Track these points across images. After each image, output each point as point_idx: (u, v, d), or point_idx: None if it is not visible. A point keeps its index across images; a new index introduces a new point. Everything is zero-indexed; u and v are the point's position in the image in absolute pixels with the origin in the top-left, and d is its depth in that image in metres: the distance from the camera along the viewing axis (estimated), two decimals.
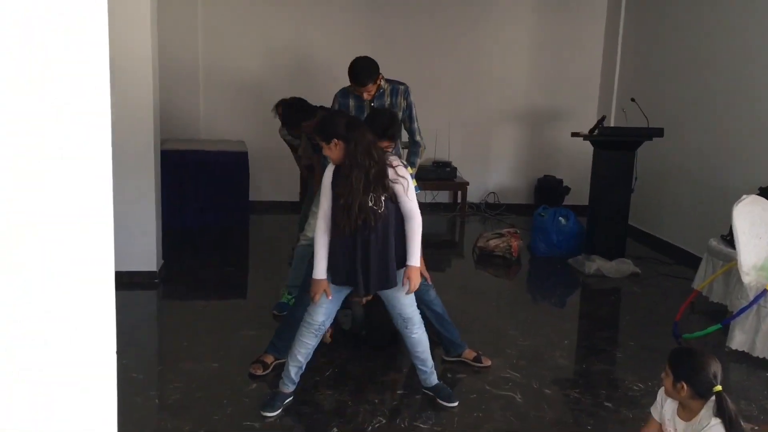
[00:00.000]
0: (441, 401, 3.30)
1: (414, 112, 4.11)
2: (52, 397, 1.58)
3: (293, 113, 4.84)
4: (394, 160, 3.09)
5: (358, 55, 4.01)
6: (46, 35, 1.42)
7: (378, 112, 3.64)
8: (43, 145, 1.45)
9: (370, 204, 2.95)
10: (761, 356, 3.95)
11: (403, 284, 3.11)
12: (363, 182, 2.93)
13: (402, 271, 3.09)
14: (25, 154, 1.42)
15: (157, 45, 4.94)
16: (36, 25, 1.40)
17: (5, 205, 1.42)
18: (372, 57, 3.99)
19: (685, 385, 2.37)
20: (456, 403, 3.30)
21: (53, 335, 1.55)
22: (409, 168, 3.27)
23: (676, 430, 2.47)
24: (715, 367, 2.37)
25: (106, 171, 1.52)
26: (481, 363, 3.75)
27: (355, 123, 3.09)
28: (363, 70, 3.92)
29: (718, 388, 2.35)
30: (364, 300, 3.54)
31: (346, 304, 3.55)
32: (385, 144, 3.27)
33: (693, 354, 2.46)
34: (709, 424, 2.34)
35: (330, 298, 3.11)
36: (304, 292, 3.44)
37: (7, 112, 1.37)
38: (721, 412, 2.33)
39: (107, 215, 1.54)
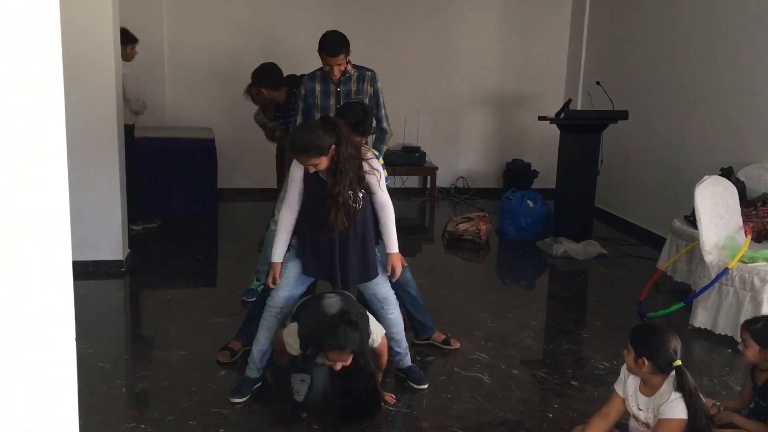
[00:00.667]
0: (412, 384, 3.33)
1: (381, 98, 4.09)
2: (11, 390, 1.56)
3: (263, 74, 4.88)
4: (367, 152, 3.09)
5: None
6: None
7: (350, 106, 3.62)
8: None
9: (350, 201, 2.95)
10: (723, 333, 4.04)
11: (387, 272, 3.17)
12: (349, 183, 2.92)
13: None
14: None
15: (119, 27, 4.85)
16: None
17: None
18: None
19: (646, 361, 2.41)
20: (426, 386, 3.33)
21: (11, 326, 1.53)
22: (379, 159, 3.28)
23: (638, 405, 2.52)
24: (675, 343, 2.42)
25: (60, 163, 1.50)
26: (450, 345, 3.78)
27: (334, 123, 2.96)
28: (334, 40, 3.88)
29: (678, 362, 2.40)
30: (339, 365, 2.87)
31: (305, 368, 3.10)
32: (357, 138, 3.23)
33: (653, 330, 2.51)
34: (669, 398, 2.39)
35: (279, 282, 3.16)
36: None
37: None
38: (680, 386, 2.38)
39: (63, 206, 1.51)
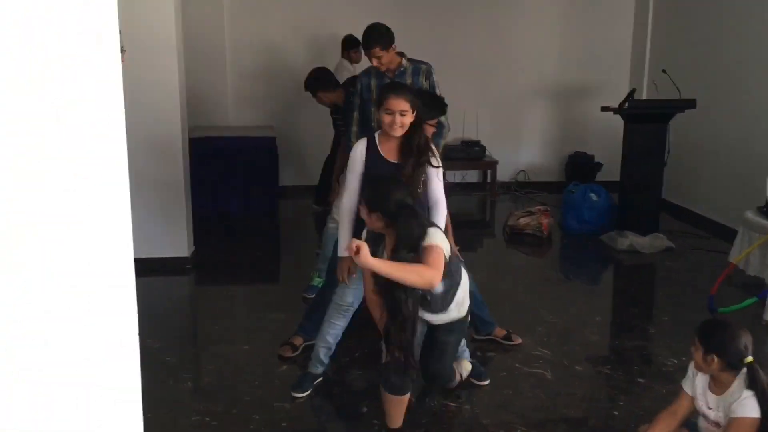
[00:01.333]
0: (473, 379, 3.29)
1: (438, 92, 4.06)
2: (78, 384, 1.61)
3: (312, 79, 4.90)
4: (434, 160, 3.06)
5: None
6: (50, 22, 1.42)
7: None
8: (45, 143, 1.45)
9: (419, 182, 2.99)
10: None
11: None
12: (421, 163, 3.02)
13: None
14: (30, 152, 1.42)
15: (182, 30, 4.96)
16: (38, 14, 1.40)
17: (15, 199, 1.43)
18: (400, 35, 3.95)
19: (715, 357, 2.32)
20: (487, 381, 3.29)
21: (75, 323, 1.57)
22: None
23: (708, 403, 2.43)
24: (746, 339, 2.32)
25: (121, 164, 1.53)
26: (512, 341, 3.73)
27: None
28: (371, 32, 3.86)
29: (750, 359, 2.30)
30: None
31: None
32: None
33: (722, 325, 2.41)
34: (741, 396, 2.29)
35: (355, 276, 3.11)
36: (332, 272, 3.45)
37: (9, 110, 1.38)
38: (753, 383, 2.28)
39: (125, 207, 1.54)
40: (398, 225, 2.62)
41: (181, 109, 4.92)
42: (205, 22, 7.05)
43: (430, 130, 3.54)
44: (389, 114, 2.93)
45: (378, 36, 3.85)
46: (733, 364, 2.33)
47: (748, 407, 2.29)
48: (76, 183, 1.47)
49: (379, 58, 3.86)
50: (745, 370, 2.32)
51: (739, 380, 2.34)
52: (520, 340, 3.74)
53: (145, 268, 1.52)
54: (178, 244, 5.01)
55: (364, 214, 2.74)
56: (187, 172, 5.10)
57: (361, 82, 4.04)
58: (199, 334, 4.11)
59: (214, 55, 7.23)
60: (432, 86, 4.02)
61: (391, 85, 3.29)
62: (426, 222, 2.72)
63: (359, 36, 4.13)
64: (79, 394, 1.62)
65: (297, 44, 7.40)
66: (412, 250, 2.59)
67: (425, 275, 2.52)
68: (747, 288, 4.52)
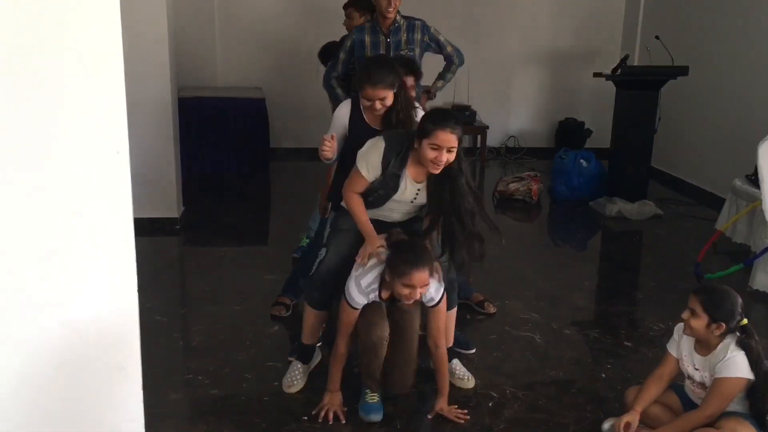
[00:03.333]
0: (458, 349, 3.29)
1: (442, 38, 4.14)
2: (78, 337, 1.62)
3: (324, 54, 4.80)
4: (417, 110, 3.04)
5: None
6: None
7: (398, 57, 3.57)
8: (60, 98, 1.44)
9: None
10: None
11: None
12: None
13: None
14: (40, 107, 1.41)
15: None
16: None
17: (26, 158, 1.42)
18: None
19: (724, 325, 2.35)
20: (473, 350, 3.30)
21: (75, 280, 1.58)
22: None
23: (694, 365, 2.47)
24: (741, 302, 2.38)
25: (121, 121, 1.52)
26: (484, 309, 3.72)
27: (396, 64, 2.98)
28: None
29: (745, 321, 2.36)
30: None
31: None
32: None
33: (725, 293, 2.42)
34: (726, 356, 2.34)
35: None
36: (319, 235, 3.54)
37: (13, 69, 1.36)
38: (745, 343, 2.33)
39: (124, 163, 1.54)
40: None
41: (171, 68, 4.86)
42: None
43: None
44: (369, 100, 2.85)
45: None
46: (732, 329, 2.37)
47: (733, 367, 2.33)
48: (79, 152, 1.46)
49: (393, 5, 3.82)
50: (723, 331, 2.37)
51: (726, 341, 2.38)
52: (493, 310, 3.72)
53: (135, 228, 1.51)
54: (167, 205, 4.99)
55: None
56: (176, 131, 5.05)
57: (354, 37, 3.99)
58: (190, 294, 4.11)
59: (203, 14, 7.11)
60: (433, 38, 4.06)
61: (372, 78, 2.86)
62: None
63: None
64: (82, 348, 1.63)
65: (287, 4, 7.28)
66: None
67: None
68: (733, 255, 4.58)
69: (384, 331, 2.70)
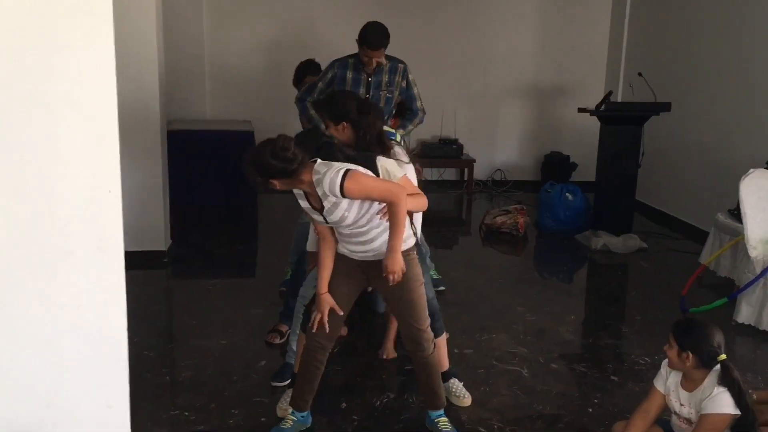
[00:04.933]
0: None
1: (416, 90, 4.11)
2: (69, 375, 1.62)
3: (300, 69, 4.85)
4: (398, 150, 3.09)
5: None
6: (51, 18, 1.42)
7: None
8: (53, 138, 1.46)
9: None
10: None
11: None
12: None
13: None
14: (34, 149, 1.43)
15: (162, 23, 4.92)
16: (39, 9, 1.40)
17: (19, 199, 1.43)
18: None
19: (690, 355, 2.39)
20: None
21: (65, 317, 1.58)
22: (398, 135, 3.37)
23: (680, 400, 2.50)
24: (719, 337, 2.40)
25: (113, 153, 1.54)
26: None
27: (367, 108, 3.03)
28: (379, 33, 3.84)
29: (723, 356, 2.38)
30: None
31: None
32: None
33: (697, 324, 2.48)
34: (712, 392, 2.36)
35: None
36: (300, 263, 3.57)
37: (9, 98, 1.38)
38: (727, 380, 2.35)
39: (116, 197, 1.56)
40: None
41: (161, 101, 4.89)
42: (184, 16, 7.00)
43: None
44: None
45: (387, 36, 3.88)
46: (706, 362, 2.40)
47: (719, 403, 2.36)
48: (71, 182, 1.47)
49: (380, 59, 3.88)
50: (718, 367, 2.39)
51: (711, 377, 2.41)
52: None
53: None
54: (155, 238, 4.99)
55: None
56: (165, 164, 5.07)
57: (336, 72, 4.02)
58: (177, 328, 4.09)
59: (194, 48, 7.19)
60: (410, 85, 4.08)
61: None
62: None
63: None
64: (72, 386, 1.63)
65: (277, 39, 7.38)
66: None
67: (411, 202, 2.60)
68: (717, 289, 4.63)
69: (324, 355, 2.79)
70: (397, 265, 2.56)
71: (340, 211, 2.51)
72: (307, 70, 4.79)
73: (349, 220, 2.54)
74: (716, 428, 2.37)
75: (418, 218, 3.06)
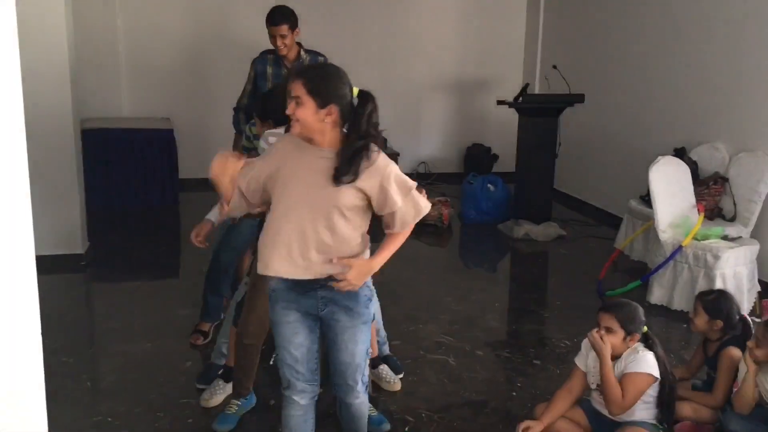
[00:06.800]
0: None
1: None
2: None
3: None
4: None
5: None
6: None
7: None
8: None
9: None
10: (679, 309, 4.18)
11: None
12: None
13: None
14: None
15: (72, 14, 4.73)
16: None
17: None
18: (300, 25, 3.98)
19: (637, 335, 2.55)
20: (401, 375, 3.31)
21: None
22: None
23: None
24: (641, 311, 2.59)
25: (20, 155, 1.49)
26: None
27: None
28: (278, 11, 3.91)
29: (645, 328, 2.57)
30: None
31: None
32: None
33: (634, 307, 2.62)
34: (638, 354, 2.52)
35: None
36: (216, 257, 3.60)
37: None
38: (652, 347, 2.54)
39: (24, 200, 1.50)
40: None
41: (72, 99, 4.71)
42: (96, 7, 6.75)
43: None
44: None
45: (288, 14, 3.91)
46: (631, 332, 2.54)
47: (643, 363, 2.49)
48: None
49: (283, 37, 3.88)
50: (637, 341, 2.56)
51: (630, 350, 2.54)
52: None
53: (38, 266, 1.46)
54: (71, 241, 4.82)
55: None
56: (79, 164, 4.90)
57: (256, 68, 4.03)
58: (98, 333, 3.97)
59: (107, 43, 6.94)
60: None
61: None
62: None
63: None
64: None
65: (195, 32, 7.22)
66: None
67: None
68: (632, 272, 4.83)
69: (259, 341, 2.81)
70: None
71: None
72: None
73: None
74: (637, 388, 2.49)
75: None
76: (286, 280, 2.20)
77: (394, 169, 2.24)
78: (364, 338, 2.28)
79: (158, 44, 7.16)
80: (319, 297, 2.21)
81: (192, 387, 3.18)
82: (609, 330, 2.54)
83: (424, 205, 2.33)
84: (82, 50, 5.58)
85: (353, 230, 2.23)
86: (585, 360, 2.66)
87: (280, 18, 3.89)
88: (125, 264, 5.02)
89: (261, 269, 2.20)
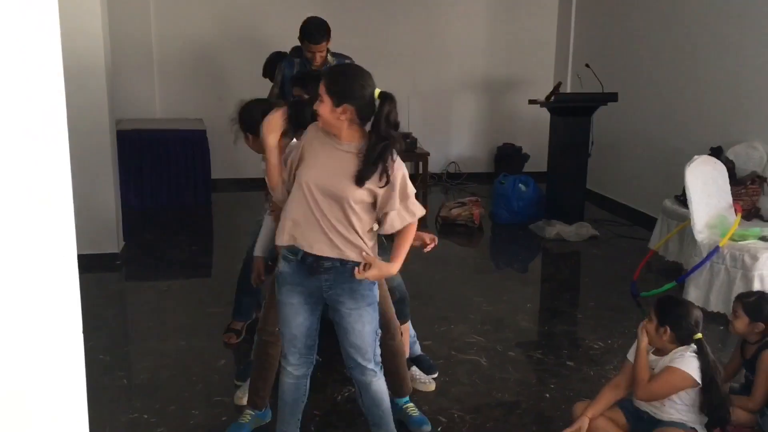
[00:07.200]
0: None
1: None
2: (22, 384, 1.58)
3: (273, 58, 4.81)
4: None
5: None
6: None
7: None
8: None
9: None
10: (715, 310, 4.10)
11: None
12: None
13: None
14: None
15: (108, 21, 4.83)
16: None
17: None
18: (330, 27, 4.00)
19: (668, 330, 2.46)
20: (436, 374, 3.32)
21: (17, 322, 1.55)
22: None
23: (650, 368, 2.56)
24: (697, 316, 2.48)
25: (63, 154, 1.51)
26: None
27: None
28: (317, 27, 3.92)
29: (699, 335, 2.45)
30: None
31: None
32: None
33: (677, 301, 2.56)
34: (685, 354, 2.44)
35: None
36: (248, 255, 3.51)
37: None
38: (701, 354, 2.43)
39: (66, 199, 1.53)
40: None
41: (108, 100, 4.80)
42: (131, 14, 6.87)
43: None
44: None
45: (326, 30, 3.94)
46: (682, 338, 2.47)
47: (686, 363, 2.43)
48: (20, 185, 1.44)
49: (322, 52, 3.91)
50: (693, 345, 2.47)
51: (679, 350, 2.48)
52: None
53: None
54: (107, 240, 4.90)
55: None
56: (115, 165, 4.98)
57: (284, 73, 4.05)
58: (133, 331, 4.03)
59: (141, 45, 7.06)
60: None
61: None
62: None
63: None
64: (24, 396, 1.59)
65: (225, 36, 7.29)
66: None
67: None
68: (666, 273, 4.76)
69: (275, 349, 2.76)
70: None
71: None
72: (278, 60, 4.79)
73: None
74: (668, 381, 2.44)
75: None
76: (292, 263, 2.35)
77: (403, 174, 2.36)
78: (370, 319, 2.42)
79: (190, 49, 7.26)
80: (323, 279, 2.34)
81: (226, 385, 3.21)
82: (649, 318, 2.53)
83: (418, 213, 2.42)
84: (119, 56, 5.69)
85: (358, 221, 2.32)
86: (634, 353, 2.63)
87: (320, 37, 3.90)
88: (159, 263, 5.09)
89: (279, 240, 2.37)
